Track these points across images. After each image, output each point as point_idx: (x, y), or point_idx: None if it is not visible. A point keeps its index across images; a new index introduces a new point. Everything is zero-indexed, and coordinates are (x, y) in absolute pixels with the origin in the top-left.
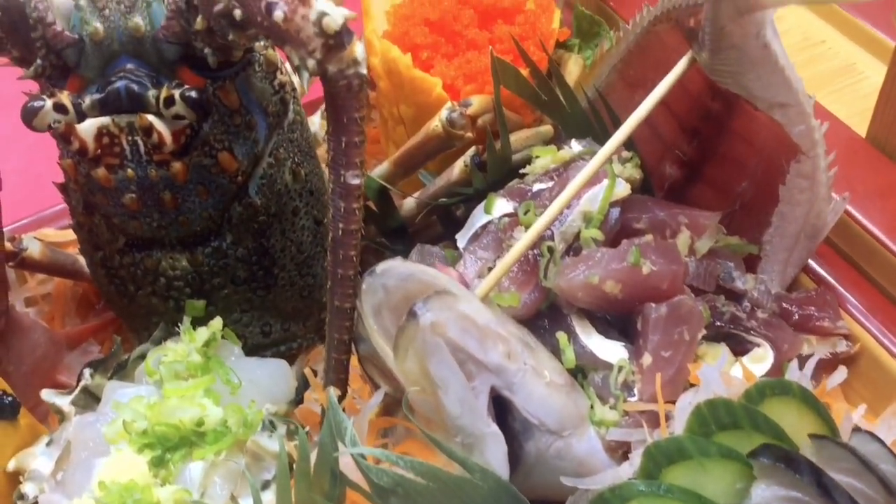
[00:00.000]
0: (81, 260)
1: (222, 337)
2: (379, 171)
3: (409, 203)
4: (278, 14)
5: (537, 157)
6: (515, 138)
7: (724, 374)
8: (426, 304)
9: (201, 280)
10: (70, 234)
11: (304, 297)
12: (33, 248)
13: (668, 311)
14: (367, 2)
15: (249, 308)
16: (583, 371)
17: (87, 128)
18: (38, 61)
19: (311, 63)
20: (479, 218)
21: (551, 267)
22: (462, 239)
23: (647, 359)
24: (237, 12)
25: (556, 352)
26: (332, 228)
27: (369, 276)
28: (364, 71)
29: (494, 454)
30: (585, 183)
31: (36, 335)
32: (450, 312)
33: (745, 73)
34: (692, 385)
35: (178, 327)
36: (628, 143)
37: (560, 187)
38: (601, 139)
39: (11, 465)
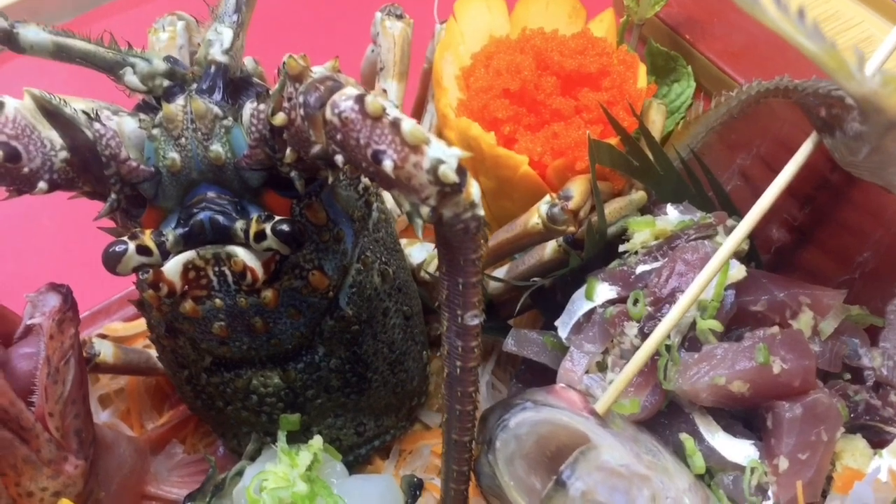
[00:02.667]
0: (154, 356)
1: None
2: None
3: (496, 284)
4: (387, 164)
5: (634, 230)
6: (610, 210)
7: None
8: (574, 472)
9: (294, 394)
10: (138, 326)
11: (396, 392)
12: (105, 351)
13: (804, 411)
14: (438, 72)
15: (343, 412)
16: (709, 471)
17: (173, 268)
18: (113, 196)
19: (424, 210)
20: (580, 304)
21: (670, 366)
22: (563, 328)
23: (783, 462)
24: (338, 158)
25: (677, 450)
26: (448, 365)
27: (502, 431)
28: (481, 213)
29: None
30: (707, 283)
31: (121, 450)
32: (597, 473)
33: (886, 168)
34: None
35: (271, 437)
36: (731, 208)
37: (669, 271)
38: (696, 201)
39: None
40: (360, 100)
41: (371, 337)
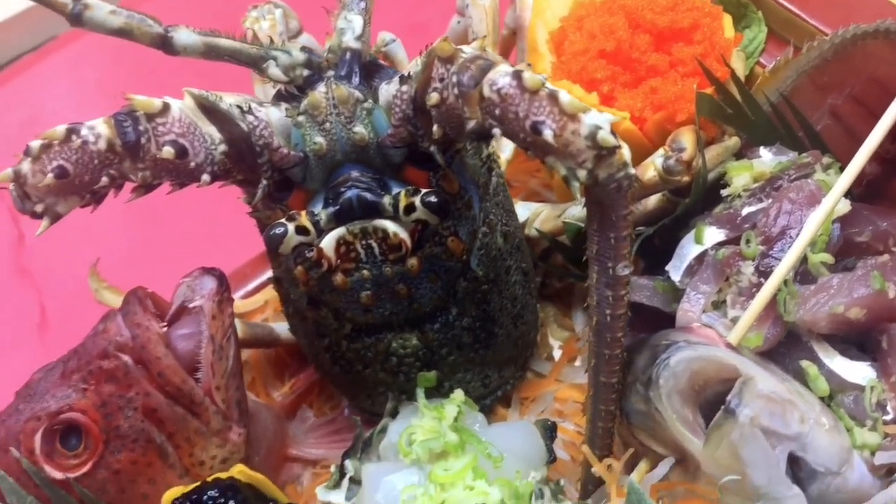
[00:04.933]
0: (276, 328)
1: None
2: (577, 212)
3: None
4: (547, 133)
5: (733, 175)
6: (708, 157)
7: None
8: (741, 400)
9: (430, 353)
10: (257, 302)
11: (517, 344)
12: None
13: None
14: (533, 39)
15: (471, 367)
16: (829, 394)
17: (328, 244)
18: (264, 182)
19: (581, 173)
20: (689, 248)
21: (789, 300)
22: (675, 272)
23: None
24: (496, 131)
25: (797, 377)
26: (597, 313)
27: (664, 370)
28: (633, 171)
29: None
30: (826, 219)
31: (263, 417)
32: (758, 401)
33: None
34: None
35: (405, 395)
36: (822, 147)
37: (777, 210)
38: (786, 143)
39: None
40: (517, 75)
41: (497, 294)
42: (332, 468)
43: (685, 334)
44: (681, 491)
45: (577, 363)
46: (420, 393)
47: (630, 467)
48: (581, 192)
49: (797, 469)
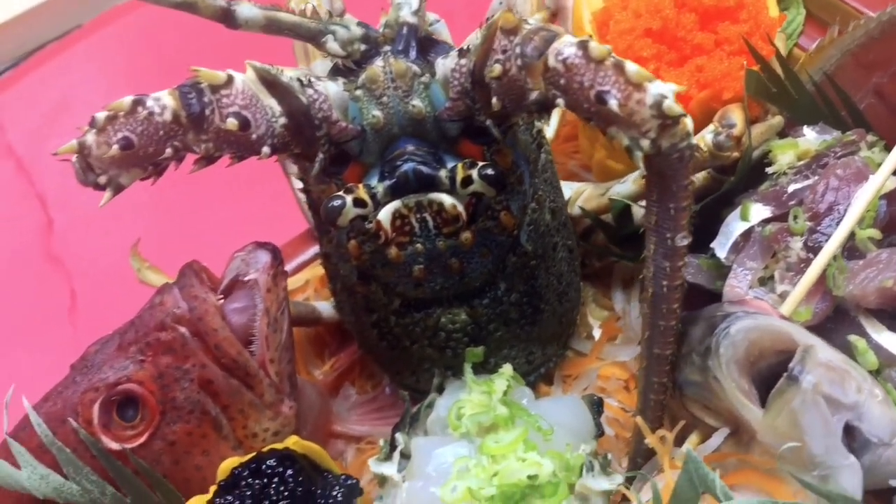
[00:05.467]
0: (319, 307)
1: None
2: (624, 189)
3: (642, 211)
4: (612, 103)
5: (778, 153)
6: (753, 135)
7: None
8: (804, 367)
9: (478, 328)
10: (299, 281)
11: (561, 321)
12: None
13: None
14: (579, 18)
15: (517, 343)
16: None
17: (385, 217)
18: (321, 155)
19: (644, 143)
20: (735, 226)
21: (837, 275)
22: (721, 248)
23: None
24: (559, 101)
25: (845, 353)
26: (653, 285)
27: (724, 339)
28: (694, 141)
29: (851, 482)
30: (876, 195)
31: (308, 393)
32: (819, 368)
33: None
34: None
35: (451, 371)
36: (865, 126)
37: (825, 187)
38: (830, 122)
39: None
40: (583, 45)
41: (544, 270)
42: (381, 442)
43: (741, 306)
44: (733, 463)
45: (618, 342)
46: (468, 368)
47: (680, 441)
48: (643, 163)
49: (850, 440)
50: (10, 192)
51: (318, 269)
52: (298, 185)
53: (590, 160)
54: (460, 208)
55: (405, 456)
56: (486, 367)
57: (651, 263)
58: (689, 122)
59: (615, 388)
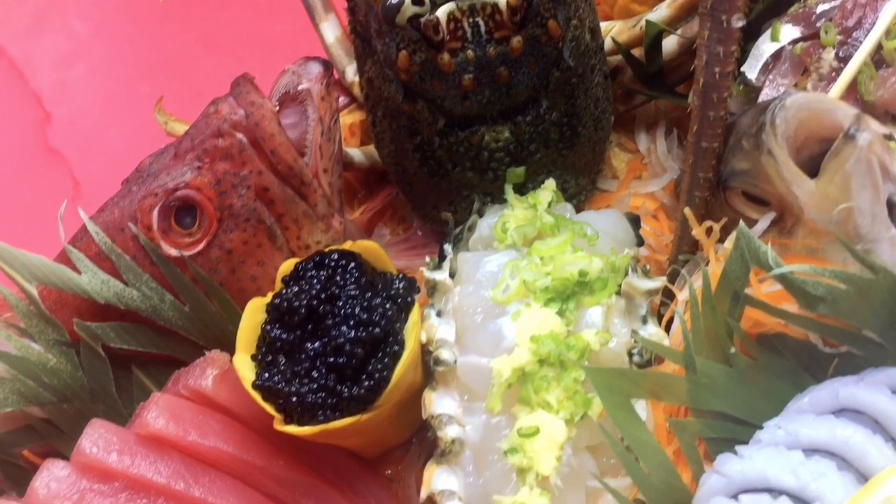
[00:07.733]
0: (350, 152)
1: None
2: (658, 16)
3: (669, 44)
4: None
5: None
6: None
7: None
8: (860, 126)
9: (520, 147)
10: None
11: (595, 151)
12: None
13: None
14: None
15: (553, 168)
16: None
17: (441, 16)
18: None
19: None
20: (765, 47)
21: (868, 81)
22: (752, 70)
23: None
24: None
25: None
26: (704, 74)
27: (781, 111)
28: None
29: (892, 256)
30: None
31: (349, 227)
32: (873, 129)
33: None
34: None
35: (490, 198)
36: None
37: (852, 5)
38: None
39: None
40: None
41: (583, 92)
42: (427, 259)
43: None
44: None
45: (644, 177)
46: (509, 188)
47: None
48: None
49: (892, 217)
50: (3, 91)
51: (346, 118)
52: (331, 31)
53: (611, 8)
54: (514, 3)
55: (451, 272)
56: (523, 193)
57: (703, 51)
58: None
59: (645, 216)
